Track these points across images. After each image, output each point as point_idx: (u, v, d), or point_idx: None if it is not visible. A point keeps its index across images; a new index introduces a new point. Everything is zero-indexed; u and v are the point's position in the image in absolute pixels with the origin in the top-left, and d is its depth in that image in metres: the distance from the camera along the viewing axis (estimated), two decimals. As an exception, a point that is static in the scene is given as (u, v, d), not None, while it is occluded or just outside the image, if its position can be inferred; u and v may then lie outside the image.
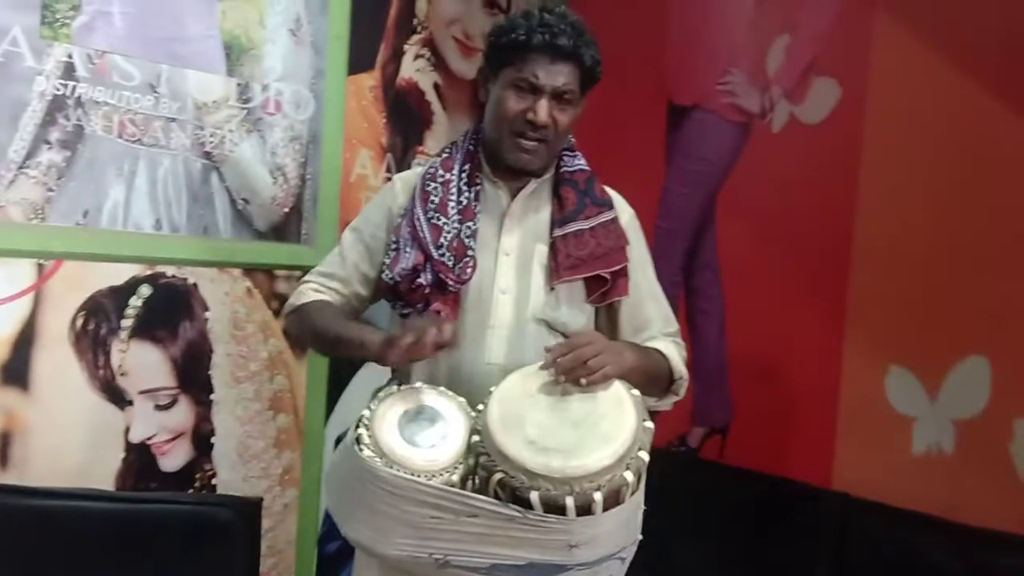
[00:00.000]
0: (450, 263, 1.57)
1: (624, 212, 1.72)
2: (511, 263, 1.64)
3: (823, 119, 2.32)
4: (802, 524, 2.20)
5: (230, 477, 2.31)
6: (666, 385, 1.68)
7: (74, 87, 1.99)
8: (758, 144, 2.45)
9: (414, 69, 2.63)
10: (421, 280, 1.57)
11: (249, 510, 1.99)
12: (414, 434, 1.42)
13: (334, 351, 1.74)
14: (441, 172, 1.65)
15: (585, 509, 1.33)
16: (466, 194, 1.63)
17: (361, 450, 1.39)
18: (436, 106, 2.68)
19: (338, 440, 2.53)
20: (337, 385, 2.51)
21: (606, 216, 1.66)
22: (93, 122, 2.03)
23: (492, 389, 1.48)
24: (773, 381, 2.33)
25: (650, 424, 1.44)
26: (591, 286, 1.66)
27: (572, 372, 1.44)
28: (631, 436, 1.38)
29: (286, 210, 2.37)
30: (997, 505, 1.95)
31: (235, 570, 1.93)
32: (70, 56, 1.98)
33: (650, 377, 1.62)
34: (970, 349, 2.02)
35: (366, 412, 1.46)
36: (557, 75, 1.56)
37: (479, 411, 1.46)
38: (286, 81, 2.34)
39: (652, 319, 1.71)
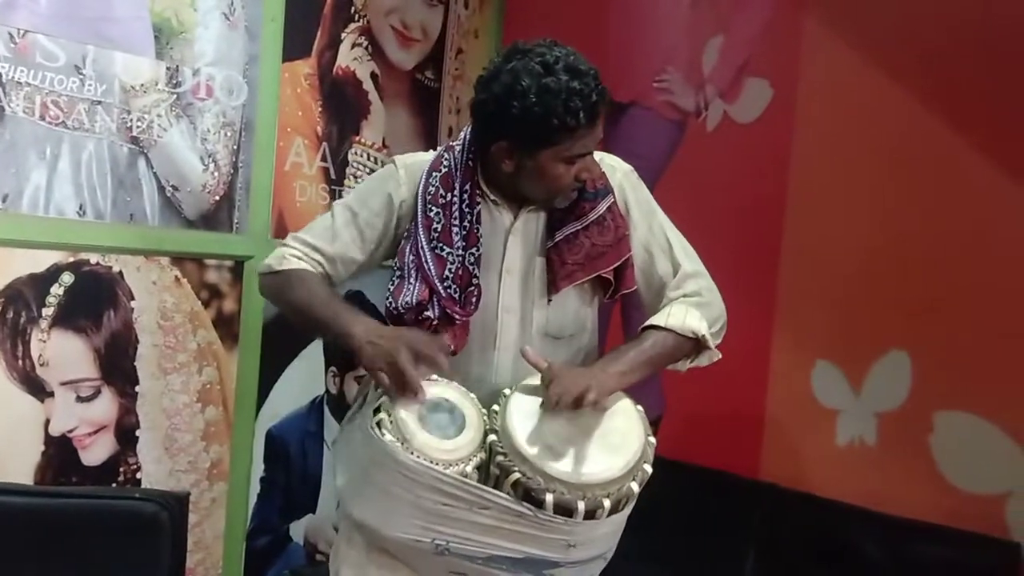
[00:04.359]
0: (456, 295, 1.57)
1: (615, 175, 1.66)
2: (514, 281, 1.63)
3: (755, 119, 2.36)
4: (730, 514, 2.25)
5: (156, 471, 2.25)
6: (689, 348, 1.62)
7: (-6, 66, 1.92)
8: (693, 142, 2.49)
9: (351, 58, 2.59)
10: (428, 314, 1.57)
11: (175, 505, 1.93)
12: (432, 424, 1.48)
13: (312, 330, 1.78)
14: (442, 192, 1.60)
15: (591, 514, 1.43)
16: (468, 217, 1.59)
17: (383, 435, 1.45)
18: (373, 96, 2.65)
19: (268, 434, 2.49)
20: (268, 378, 2.46)
21: (600, 208, 1.61)
22: (14, 103, 1.95)
23: (506, 392, 1.55)
24: (704, 374, 2.35)
25: (653, 439, 1.53)
26: (599, 284, 1.65)
27: (574, 404, 1.47)
28: (640, 449, 1.48)
29: (217, 198, 2.32)
30: (917, 495, 2.02)
31: (161, 566, 1.88)
32: (-10, 33, 1.91)
33: (657, 367, 1.61)
34: (891, 344, 2.09)
35: (385, 399, 1.50)
36: (597, 135, 1.54)
37: (495, 412, 1.53)
38: (218, 66, 2.28)
39: (664, 276, 1.66)
